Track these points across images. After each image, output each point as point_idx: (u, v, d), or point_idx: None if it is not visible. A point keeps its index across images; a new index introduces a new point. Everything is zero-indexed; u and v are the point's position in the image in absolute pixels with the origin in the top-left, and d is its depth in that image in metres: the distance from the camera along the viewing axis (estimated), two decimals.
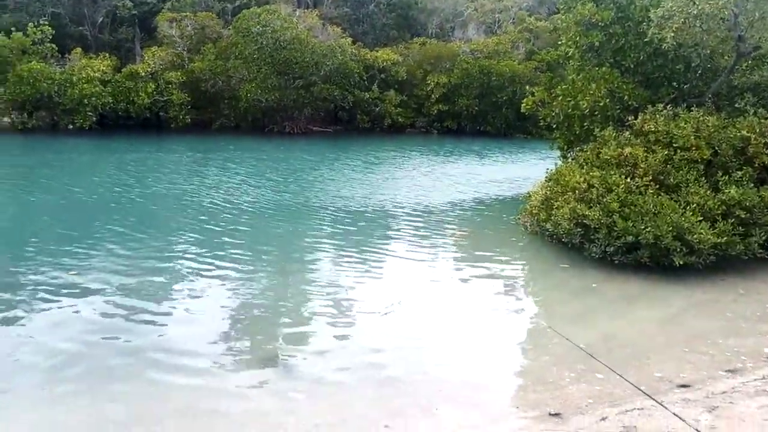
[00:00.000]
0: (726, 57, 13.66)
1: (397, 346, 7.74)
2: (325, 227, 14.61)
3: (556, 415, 5.97)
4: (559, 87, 15.66)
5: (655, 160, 11.45)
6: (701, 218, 10.46)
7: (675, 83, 14.16)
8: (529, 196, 14.35)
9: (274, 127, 38.32)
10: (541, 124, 17.36)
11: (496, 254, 12.39)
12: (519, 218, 14.37)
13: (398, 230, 14.62)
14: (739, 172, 11.21)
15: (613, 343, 7.78)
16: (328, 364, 7.19)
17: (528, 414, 6.10)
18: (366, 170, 24.36)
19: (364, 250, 12.38)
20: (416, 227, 14.78)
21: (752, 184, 11.16)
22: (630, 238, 10.45)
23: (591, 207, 11.17)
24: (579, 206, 11.33)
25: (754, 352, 7.35)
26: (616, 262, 10.78)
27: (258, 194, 18.57)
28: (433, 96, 40.72)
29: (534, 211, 13.31)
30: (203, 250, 11.88)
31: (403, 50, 43.38)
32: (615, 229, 10.61)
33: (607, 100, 13.69)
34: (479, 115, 40.36)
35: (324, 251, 12.54)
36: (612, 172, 11.65)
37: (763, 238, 10.85)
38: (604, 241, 10.84)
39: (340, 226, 14.63)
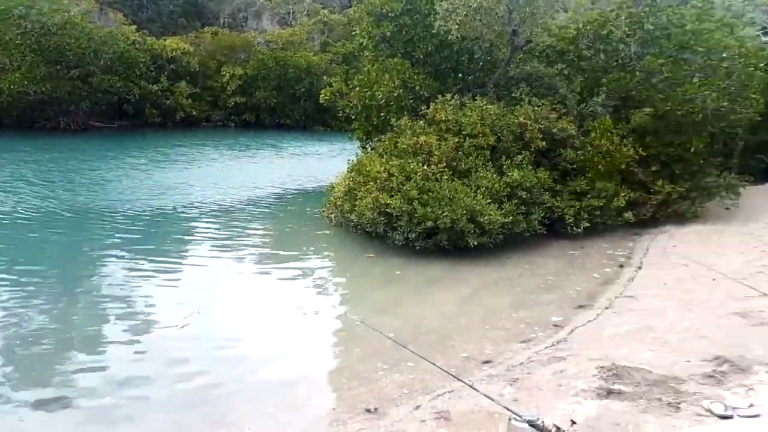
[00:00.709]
0: (503, 50, 14.80)
1: (199, 360, 7.00)
2: (105, 236, 12.80)
3: (373, 410, 5.78)
4: (355, 78, 15.73)
5: (448, 148, 11.98)
6: (490, 200, 11.16)
7: (461, 74, 15.03)
8: (332, 187, 14.21)
9: (47, 123, 33.63)
10: (340, 115, 17.36)
11: (302, 250, 12.06)
12: (323, 211, 14.14)
13: (194, 233, 13.52)
14: (519, 156, 12.21)
15: (421, 329, 7.87)
16: (123, 392, 6.22)
17: (345, 414, 5.82)
18: (154, 168, 21.91)
19: (157, 259, 11.09)
20: (214, 229, 13.84)
21: (530, 167, 12.23)
22: (429, 224, 10.79)
23: (392, 195, 11.34)
24: (381, 195, 11.43)
25: (542, 322, 7.92)
26: (418, 247, 11.08)
27: (15, 202, 15.29)
28: (229, 88, 38.96)
29: (338, 203, 13.20)
30: None
31: (193, 39, 40.79)
32: (415, 215, 10.88)
33: (401, 90, 14.03)
34: (278, 107, 39.60)
35: (107, 264, 10.95)
36: (410, 161, 11.95)
37: (542, 215, 11.95)
38: (406, 228, 11.07)
39: (124, 234, 12.84)
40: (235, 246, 12.47)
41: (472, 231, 10.76)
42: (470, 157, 11.94)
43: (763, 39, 21.08)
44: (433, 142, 12.11)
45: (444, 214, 10.64)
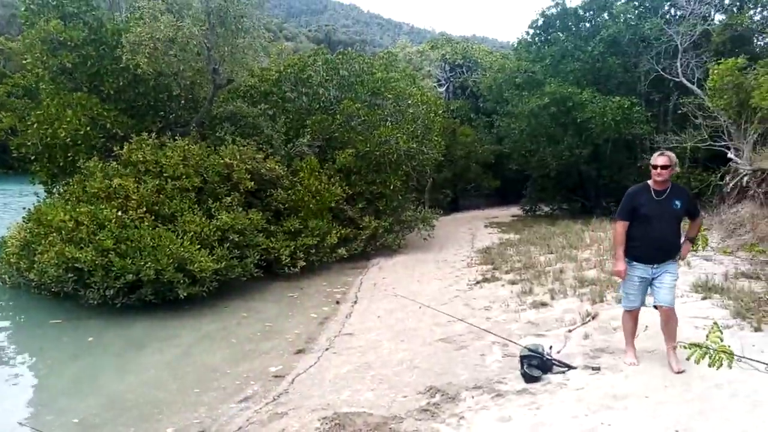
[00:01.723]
0: (205, 88, 14.10)
1: None
2: None
3: None
4: (33, 114, 13.30)
5: (147, 191, 10.72)
6: (200, 246, 10.25)
7: (161, 112, 13.85)
8: (5, 242, 11.65)
9: None
10: (15, 155, 14.51)
11: None
12: None
13: None
14: (228, 198, 11.55)
15: (121, 405, 6.52)
16: None
17: None
18: None
19: None
20: None
21: (241, 208, 11.66)
22: (130, 277, 9.40)
23: (82, 247, 9.62)
24: (67, 248, 9.60)
25: (262, 374, 7.27)
26: (119, 305, 9.57)
27: None
28: None
29: (12, 260, 10.80)
30: None
31: None
32: (113, 269, 9.38)
33: (89, 128, 12.26)
34: None
35: None
36: (102, 206, 10.34)
37: (257, 257, 11.43)
38: (101, 285, 9.47)
39: None
40: None
41: (181, 281, 9.68)
42: (174, 201, 10.87)
43: (439, 90, 24.49)
44: (130, 185, 10.72)
45: (147, 264, 9.37)
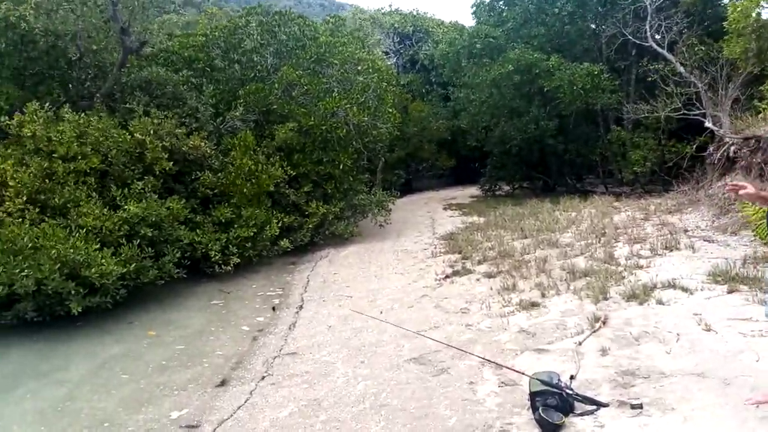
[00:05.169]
0: (115, 53, 11.73)
1: None
2: None
3: None
4: None
5: (30, 176, 8.41)
6: (100, 245, 8.08)
7: (58, 80, 11.42)
8: None
9: None
10: None
11: None
12: None
13: None
14: (140, 183, 9.35)
15: None
16: None
17: None
18: None
19: None
20: None
21: (157, 196, 9.49)
22: (2, 290, 7.17)
23: None
24: None
25: (169, 426, 5.29)
26: None
27: None
28: None
29: None
30: None
31: None
32: None
33: None
34: None
35: None
36: None
37: (178, 255, 9.34)
38: None
39: None
40: None
41: (73, 291, 7.52)
42: (67, 188, 8.61)
43: (388, 63, 22.60)
44: (8, 168, 8.38)
45: (24, 273, 7.17)
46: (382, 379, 5.41)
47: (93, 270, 7.63)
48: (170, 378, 6.24)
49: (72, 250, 7.51)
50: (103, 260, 7.83)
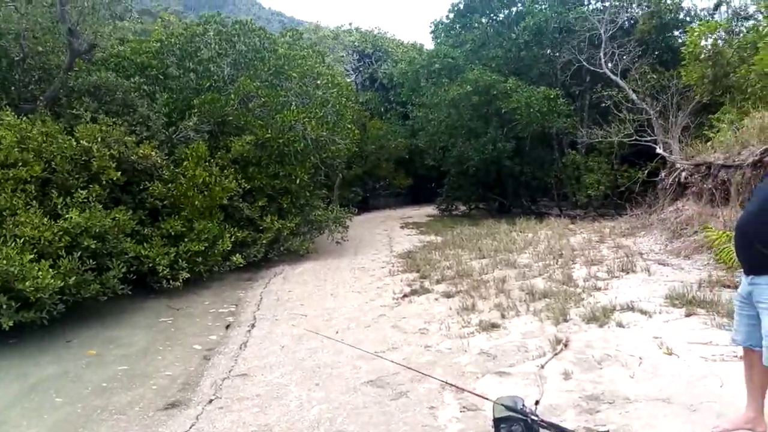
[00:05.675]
0: (62, 55, 11.19)
1: None
2: None
3: None
4: None
5: None
6: (37, 256, 7.55)
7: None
8: None
9: None
10: None
11: None
12: None
13: None
14: (84, 192, 8.83)
15: None
16: None
17: None
18: None
19: None
20: None
21: (102, 206, 8.98)
22: None
23: None
24: None
25: None
26: None
27: None
28: None
29: None
30: None
31: None
32: None
33: None
34: None
35: None
36: None
37: (123, 269, 8.83)
38: None
39: None
40: None
41: (5, 305, 6.97)
42: (3, 195, 8.04)
43: (348, 79, 22.51)
44: None
45: None
46: (338, 402, 5.14)
47: (27, 283, 7.10)
48: (109, 401, 5.78)
49: (5, 261, 6.97)
50: (40, 272, 7.31)
